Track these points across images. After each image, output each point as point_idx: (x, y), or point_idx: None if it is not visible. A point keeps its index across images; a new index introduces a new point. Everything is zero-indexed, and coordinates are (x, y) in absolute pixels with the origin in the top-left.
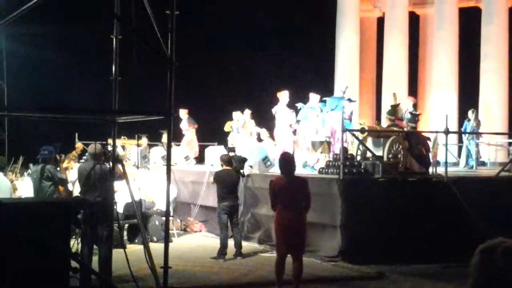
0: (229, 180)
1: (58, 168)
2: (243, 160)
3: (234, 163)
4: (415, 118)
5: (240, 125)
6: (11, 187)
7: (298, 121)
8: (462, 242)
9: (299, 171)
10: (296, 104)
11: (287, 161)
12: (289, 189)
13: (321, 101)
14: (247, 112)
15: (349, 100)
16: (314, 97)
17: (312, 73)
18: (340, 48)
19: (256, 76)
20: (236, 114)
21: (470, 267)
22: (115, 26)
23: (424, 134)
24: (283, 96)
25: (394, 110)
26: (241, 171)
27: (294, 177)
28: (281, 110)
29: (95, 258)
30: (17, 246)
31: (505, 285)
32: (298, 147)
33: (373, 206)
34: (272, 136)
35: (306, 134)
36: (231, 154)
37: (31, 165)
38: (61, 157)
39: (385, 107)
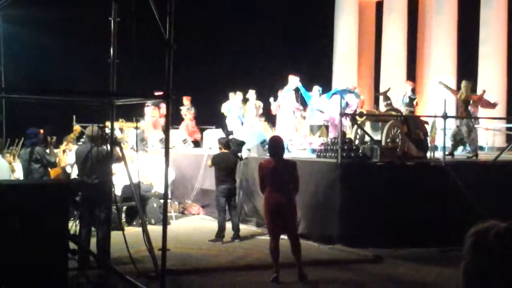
0: (227, 163)
1: (48, 150)
2: (241, 143)
3: (232, 146)
4: (412, 102)
5: (252, 105)
6: (10, 168)
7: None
8: (460, 226)
9: (307, 156)
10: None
11: (276, 144)
12: (278, 172)
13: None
14: (252, 92)
15: (355, 94)
16: (293, 79)
17: (310, 58)
18: (339, 32)
19: (253, 61)
20: (236, 95)
21: (463, 250)
22: (113, 8)
23: (422, 118)
24: (292, 80)
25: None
26: (239, 154)
27: (283, 160)
28: (286, 94)
29: (93, 240)
30: (15, 227)
31: (497, 268)
32: (298, 132)
33: (371, 190)
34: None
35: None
36: (229, 137)
37: None
38: (52, 139)
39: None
